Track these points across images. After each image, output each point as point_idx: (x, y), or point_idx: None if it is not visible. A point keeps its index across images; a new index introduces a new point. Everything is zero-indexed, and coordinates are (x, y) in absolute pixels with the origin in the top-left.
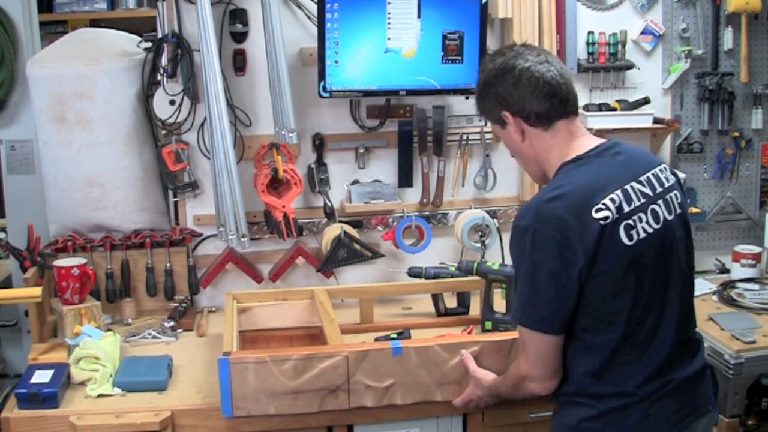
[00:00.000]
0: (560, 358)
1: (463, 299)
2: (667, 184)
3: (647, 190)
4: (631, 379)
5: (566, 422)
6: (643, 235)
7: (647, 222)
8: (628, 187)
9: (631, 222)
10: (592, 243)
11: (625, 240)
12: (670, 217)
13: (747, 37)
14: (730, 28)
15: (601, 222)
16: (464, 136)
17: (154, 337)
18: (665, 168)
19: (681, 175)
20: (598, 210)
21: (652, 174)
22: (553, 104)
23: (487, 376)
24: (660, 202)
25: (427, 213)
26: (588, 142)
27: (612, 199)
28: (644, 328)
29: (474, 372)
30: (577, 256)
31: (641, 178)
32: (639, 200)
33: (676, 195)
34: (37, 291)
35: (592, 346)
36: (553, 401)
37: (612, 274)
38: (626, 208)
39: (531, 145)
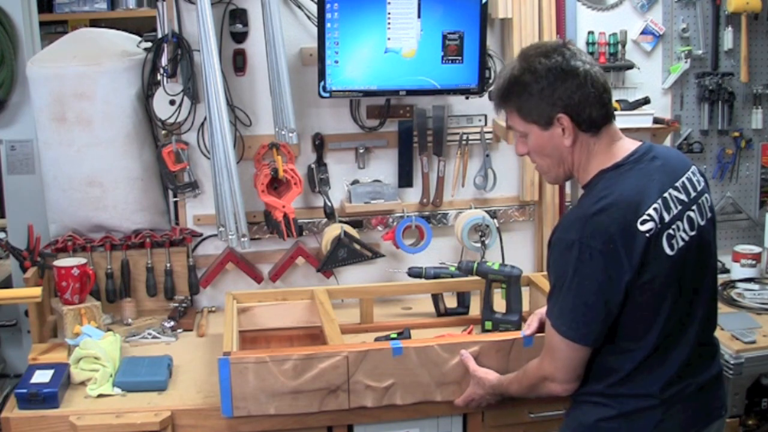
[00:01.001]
0: (586, 363)
1: (463, 299)
2: (699, 188)
3: (683, 197)
4: (654, 382)
5: (583, 421)
6: (681, 243)
7: (684, 230)
8: (666, 195)
9: (671, 231)
10: (639, 256)
11: (668, 250)
12: (702, 223)
13: (747, 37)
14: (730, 28)
15: (647, 234)
16: (464, 136)
17: (154, 337)
18: (696, 170)
19: None
20: (644, 222)
21: (686, 178)
22: (607, 111)
23: (488, 375)
24: (694, 207)
25: (427, 213)
26: (625, 146)
27: (655, 209)
28: (675, 333)
29: (474, 371)
30: (624, 270)
31: (677, 184)
32: (676, 208)
33: (707, 198)
34: (37, 291)
35: (627, 351)
36: (568, 399)
37: (654, 284)
38: (667, 218)
39: (573, 151)
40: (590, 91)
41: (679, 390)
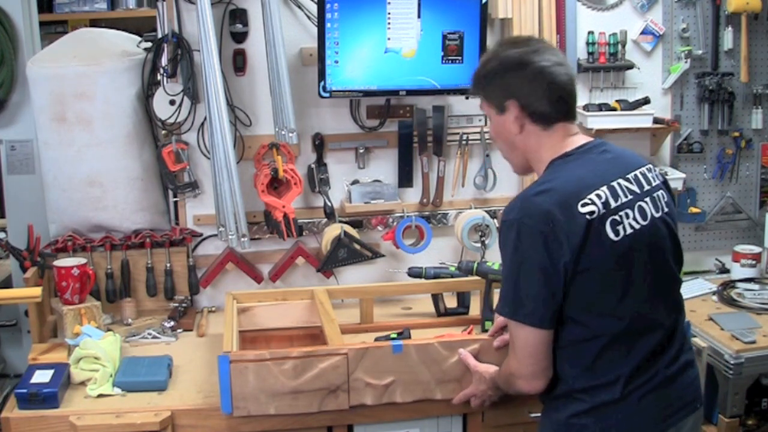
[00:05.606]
0: (549, 355)
1: (463, 299)
2: (654, 183)
3: (635, 188)
4: (619, 372)
5: (556, 418)
6: (629, 231)
7: (634, 218)
8: (615, 183)
9: (617, 218)
10: (579, 237)
11: (612, 235)
12: (657, 215)
13: (747, 37)
14: (730, 28)
15: (587, 216)
16: (464, 136)
17: (154, 337)
18: (653, 168)
19: (680, 175)
20: (584, 204)
21: (640, 172)
22: (560, 108)
23: (489, 369)
24: (647, 199)
25: (427, 213)
26: (577, 140)
27: (598, 195)
28: (633, 323)
29: (476, 367)
30: (563, 250)
31: (629, 176)
32: (626, 197)
33: (662, 194)
34: (37, 291)
35: (582, 342)
36: (546, 400)
37: (599, 270)
38: (613, 204)
39: (524, 139)
40: (543, 86)
41: (647, 380)
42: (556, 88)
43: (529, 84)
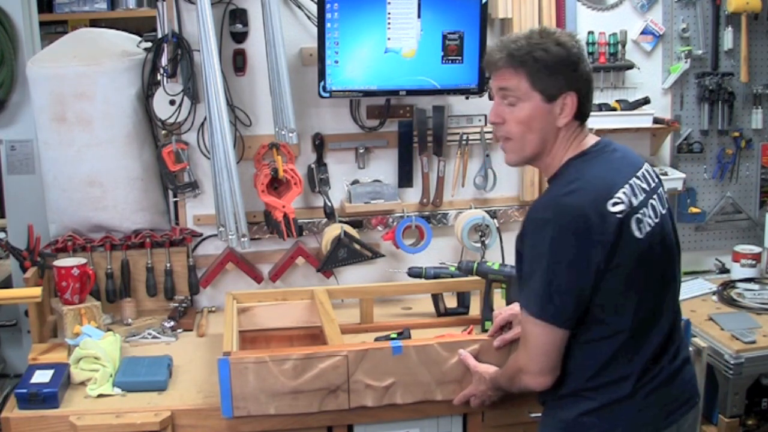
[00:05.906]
0: (562, 353)
1: (463, 299)
2: (656, 180)
3: (645, 185)
4: (631, 369)
5: (564, 417)
6: (648, 228)
7: (649, 216)
8: (631, 181)
9: (639, 216)
10: (612, 236)
11: (637, 233)
12: (663, 212)
13: (747, 37)
14: (730, 28)
15: (618, 215)
16: (464, 136)
17: (154, 337)
18: (650, 167)
19: (680, 175)
20: (615, 204)
21: (645, 170)
22: (591, 109)
23: (489, 369)
24: (655, 196)
25: (427, 213)
26: (589, 140)
27: (624, 193)
28: (646, 321)
29: (476, 368)
30: (597, 250)
31: (638, 174)
32: (641, 194)
33: (663, 191)
34: (37, 291)
35: (600, 340)
36: (549, 400)
37: (625, 268)
38: (635, 202)
39: (559, 134)
40: (590, 86)
41: (653, 376)
42: (592, 89)
43: (584, 81)
